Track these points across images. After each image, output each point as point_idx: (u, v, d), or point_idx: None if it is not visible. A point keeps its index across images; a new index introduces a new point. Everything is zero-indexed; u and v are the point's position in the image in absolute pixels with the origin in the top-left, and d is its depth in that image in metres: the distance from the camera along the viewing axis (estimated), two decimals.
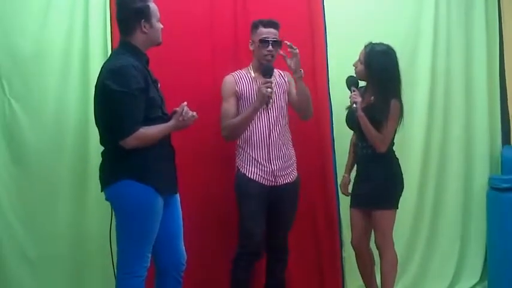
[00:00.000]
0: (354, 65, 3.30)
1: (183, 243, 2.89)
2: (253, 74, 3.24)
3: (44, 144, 3.26)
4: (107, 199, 2.70)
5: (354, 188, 3.40)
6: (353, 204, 3.39)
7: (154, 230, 2.67)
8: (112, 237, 2.76)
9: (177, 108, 2.66)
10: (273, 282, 3.31)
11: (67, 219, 3.30)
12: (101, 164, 2.72)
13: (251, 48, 3.25)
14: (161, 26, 2.76)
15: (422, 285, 3.99)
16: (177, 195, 2.88)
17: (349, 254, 3.75)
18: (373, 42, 3.28)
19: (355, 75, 3.30)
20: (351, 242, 3.43)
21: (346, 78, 3.29)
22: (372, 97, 3.24)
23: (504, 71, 4.19)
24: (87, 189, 3.30)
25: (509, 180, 3.84)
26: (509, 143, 4.16)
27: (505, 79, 4.18)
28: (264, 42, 3.16)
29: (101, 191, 2.71)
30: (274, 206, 3.18)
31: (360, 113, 3.15)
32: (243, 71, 3.28)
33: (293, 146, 3.37)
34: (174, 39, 3.29)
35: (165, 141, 2.72)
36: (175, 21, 3.33)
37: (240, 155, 3.21)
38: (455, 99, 4.09)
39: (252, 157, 3.16)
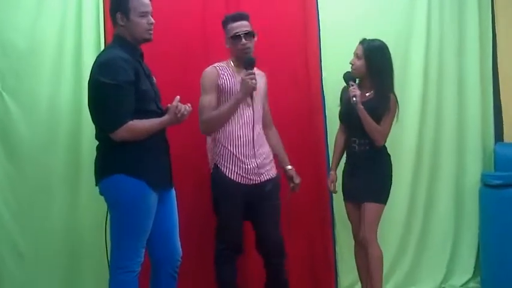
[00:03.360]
0: (351, 62, 3.31)
1: (178, 238, 2.88)
2: (234, 68, 3.16)
3: (37, 139, 3.25)
4: (100, 193, 2.70)
5: (346, 183, 3.41)
6: (347, 198, 3.42)
7: (148, 224, 2.67)
8: (107, 232, 2.75)
9: (170, 105, 2.66)
10: (272, 284, 3.25)
11: (61, 214, 3.29)
12: (96, 158, 2.72)
13: (227, 46, 3.16)
14: (149, 21, 2.70)
15: (415, 281, 3.99)
16: (173, 190, 2.88)
17: (342, 250, 3.77)
18: (367, 38, 3.32)
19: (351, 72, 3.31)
20: (353, 234, 3.44)
21: (343, 74, 3.30)
22: (370, 92, 3.28)
23: (497, 68, 4.19)
24: (81, 183, 3.29)
25: (502, 176, 3.85)
26: (502, 140, 4.17)
27: (497, 76, 4.19)
28: (236, 37, 3.07)
29: (96, 185, 2.71)
30: (258, 204, 3.11)
31: (360, 106, 3.17)
32: (223, 64, 3.18)
33: (286, 143, 3.36)
34: (168, 35, 3.31)
35: (159, 136, 2.72)
36: (168, 18, 3.35)
37: (220, 152, 3.09)
38: (448, 96, 4.10)
39: (234, 154, 3.07)
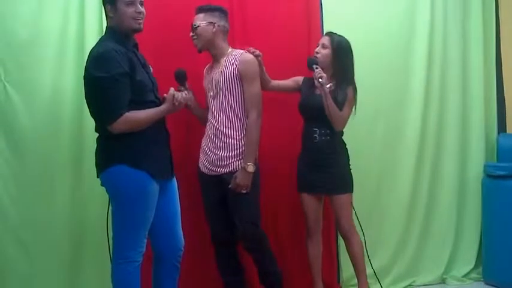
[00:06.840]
0: (317, 51, 3.30)
1: (181, 228, 2.89)
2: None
3: (40, 130, 3.24)
4: (102, 185, 2.70)
5: (307, 174, 3.33)
6: (307, 190, 3.34)
7: (149, 215, 2.67)
8: (109, 222, 2.75)
9: (167, 95, 2.67)
10: (259, 275, 3.24)
11: (63, 204, 3.29)
12: (96, 149, 2.72)
13: None
14: (137, 9, 2.65)
15: (417, 271, 3.99)
16: (174, 179, 2.89)
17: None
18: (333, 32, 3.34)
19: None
20: (306, 226, 3.41)
21: (307, 59, 3.26)
22: (330, 84, 3.24)
23: (501, 59, 4.18)
24: (84, 173, 3.29)
25: (505, 167, 3.85)
26: (505, 131, 4.18)
27: (501, 67, 4.18)
28: None
29: (97, 177, 2.71)
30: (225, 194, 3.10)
31: (326, 89, 3.13)
32: None
33: (283, 137, 3.44)
34: (167, 26, 3.33)
35: (159, 126, 2.72)
36: (170, 10, 3.35)
37: None
38: (452, 87, 4.08)
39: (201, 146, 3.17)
